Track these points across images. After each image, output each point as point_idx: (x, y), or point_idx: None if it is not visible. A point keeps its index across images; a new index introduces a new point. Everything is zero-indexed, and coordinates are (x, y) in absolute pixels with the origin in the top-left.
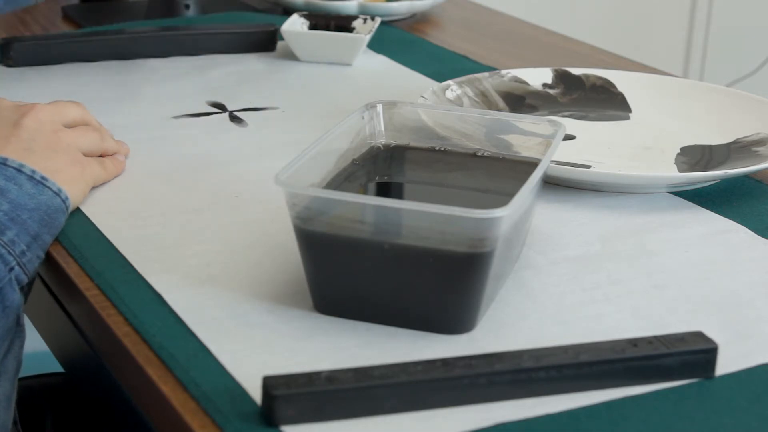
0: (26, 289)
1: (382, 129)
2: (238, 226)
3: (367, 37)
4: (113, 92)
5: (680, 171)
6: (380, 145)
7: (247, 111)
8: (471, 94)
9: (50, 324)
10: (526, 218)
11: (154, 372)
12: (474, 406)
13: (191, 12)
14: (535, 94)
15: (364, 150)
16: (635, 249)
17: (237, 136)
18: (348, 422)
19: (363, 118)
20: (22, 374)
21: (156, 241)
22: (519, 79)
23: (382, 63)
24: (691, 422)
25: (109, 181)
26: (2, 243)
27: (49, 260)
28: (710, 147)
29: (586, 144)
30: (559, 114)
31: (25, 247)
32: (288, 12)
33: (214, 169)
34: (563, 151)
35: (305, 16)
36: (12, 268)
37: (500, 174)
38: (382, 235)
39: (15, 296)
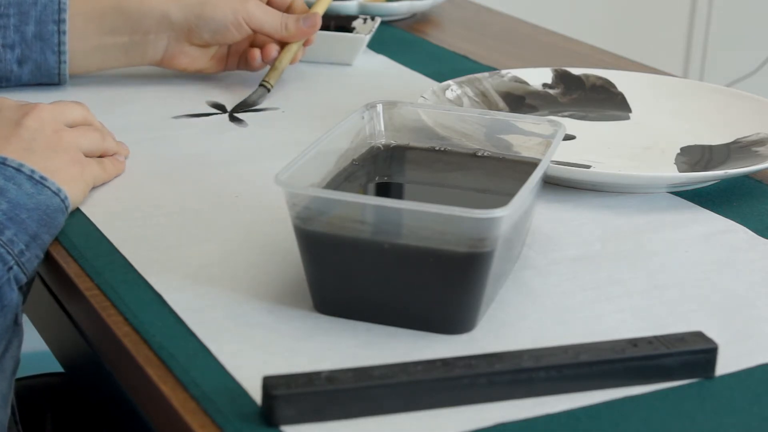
0: (25, 289)
1: (382, 129)
2: (238, 226)
3: (367, 37)
4: (113, 92)
5: (680, 171)
6: (380, 145)
7: (247, 111)
8: (471, 94)
9: (50, 324)
10: (526, 218)
11: (154, 372)
12: (474, 406)
13: None
14: (535, 94)
15: (364, 150)
16: (635, 249)
17: (237, 137)
18: (348, 422)
19: (363, 118)
20: (22, 374)
21: (156, 241)
22: (519, 79)
23: (382, 63)
24: (691, 422)
25: (109, 181)
26: (1, 242)
27: (49, 260)
28: (710, 147)
29: (586, 144)
30: (559, 114)
31: (23, 247)
32: None
33: (214, 169)
34: (563, 151)
35: None
36: (10, 268)
37: (500, 174)
38: (382, 235)
39: (13, 295)
